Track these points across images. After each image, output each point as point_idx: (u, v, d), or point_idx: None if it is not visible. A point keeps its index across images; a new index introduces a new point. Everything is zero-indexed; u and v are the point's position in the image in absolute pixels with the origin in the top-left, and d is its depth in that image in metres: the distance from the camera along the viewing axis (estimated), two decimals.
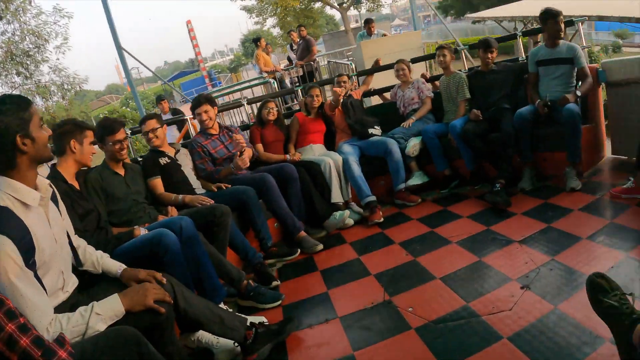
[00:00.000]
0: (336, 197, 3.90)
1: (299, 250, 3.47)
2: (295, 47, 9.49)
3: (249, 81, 12.14)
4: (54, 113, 14.14)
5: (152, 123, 3.28)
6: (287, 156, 4.10)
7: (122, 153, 2.87)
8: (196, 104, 3.67)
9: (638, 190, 2.97)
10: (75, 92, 14.27)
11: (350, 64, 7.73)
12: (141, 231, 2.46)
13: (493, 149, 3.80)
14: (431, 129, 4.14)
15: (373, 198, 3.84)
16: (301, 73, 9.07)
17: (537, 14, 3.78)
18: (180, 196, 3.11)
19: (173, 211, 3.01)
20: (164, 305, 1.74)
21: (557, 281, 2.27)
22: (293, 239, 3.53)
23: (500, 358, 1.82)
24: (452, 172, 4.16)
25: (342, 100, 4.26)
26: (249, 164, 3.56)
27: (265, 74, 9.20)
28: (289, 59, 10.17)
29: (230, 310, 2.43)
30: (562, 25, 3.65)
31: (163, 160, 3.27)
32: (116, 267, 2.02)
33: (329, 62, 10.41)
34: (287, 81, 9.44)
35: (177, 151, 3.50)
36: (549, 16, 3.62)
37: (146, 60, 9.03)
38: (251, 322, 2.21)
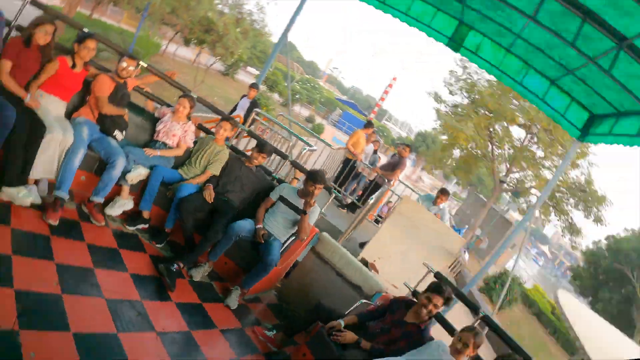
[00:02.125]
0: (39, 171, 3.43)
1: None
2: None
3: None
4: None
5: None
6: (28, 95, 3.39)
7: None
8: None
9: (272, 342, 3.67)
10: None
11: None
12: None
13: (196, 227, 4.09)
14: (163, 172, 4.17)
15: (66, 197, 3.51)
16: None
17: None
18: None
19: None
20: None
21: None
22: None
23: None
24: (149, 215, 4.19)
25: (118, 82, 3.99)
26: None
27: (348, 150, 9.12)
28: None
29: None
30: (318, 192, 4.21)
31: None
32: None
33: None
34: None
35: None
36: (309, 177, 4.18)
37: None
38: None
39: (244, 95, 9.25)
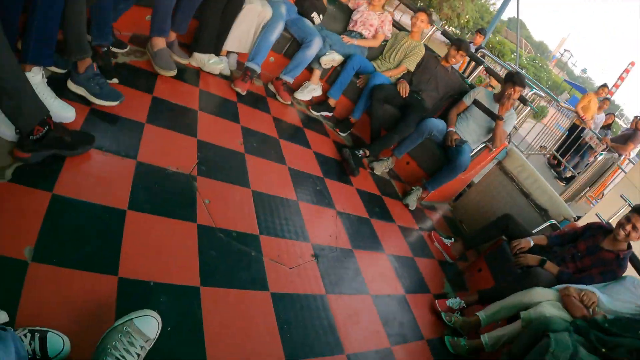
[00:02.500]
0: (233, 44, 3.34)
1: (128, 47, 2.76)
2: None
3: None
4: None
5: None
6: None
7: None
8: None
9: (448, 251, 3.24)
10: None
11: None
12: None
13: (384, 121, 3.76)
14: (360, 60, 3.88)
15: (258, 69, 3.38)
16: None
17: None
18: None
19: None
20: None
21: (343, 273, 2.28)
22: (147, 41, 2.82)
23: (252, 306, 1.75)
24: (335, 104, 3.99)
25: None
26: None
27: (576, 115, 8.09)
28: None
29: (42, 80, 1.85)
30: (516, 96, 3.66)
31: None
32: None
33: None
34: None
35: None
36: (508, 79, 3.64)
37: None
38: (49, 118, 1.68)
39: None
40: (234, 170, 2.43)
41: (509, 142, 4.09)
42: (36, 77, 1.80)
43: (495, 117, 3.64)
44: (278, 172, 2.73)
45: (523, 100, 4.17)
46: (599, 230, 2.83)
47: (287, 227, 2.30)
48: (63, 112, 1.89)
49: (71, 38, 1.97)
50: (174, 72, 2.80)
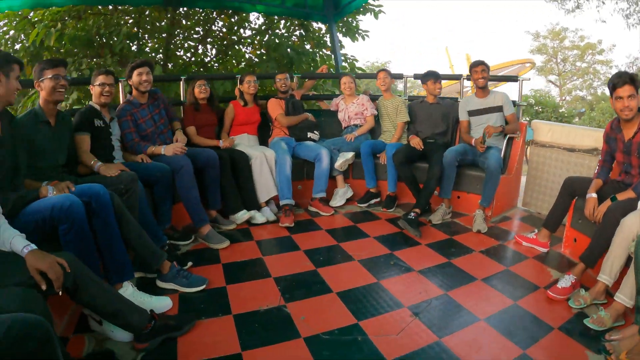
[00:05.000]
0: (264, 193, 3.87)
1: (193, 238, 3.36)
2: None
3: None
4: None
5: (110, 78, 3.09)
6: (220, 142, 3.92)
7: (61, 92, 2.56)
8: (139, 64, 3.43)
9: (537, 243, 3.24)
10: None
11: None
12: (49, 192, 2.15)
13: (416, 178, 3.98)
14: (369, 144, 4.27)
15: (292, 202, 3.83)
16: None
17: None
18: (98, 164, 2.84)
19: None
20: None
21: (446, 315, 2.35)
22: (196, 230, 3.37)
23: None
24: (376, 190, 4.31)
25: (284, 98, 4.36)
26: (179, 152, 3.37)
27: None
28: None
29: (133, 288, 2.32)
30: (485, 75, 3.88)
31: (97, 122, 3.04)
32: (22, 245, 1.70)
33: None
34: None
35: (112, 118, 3.20)
36: (471, 67, 3.92)
37: None
38: (151, 312, 2.08)
39: None
40: (313, 285, 2.69)
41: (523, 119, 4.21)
42: (128, 290, 2.26)
43: (492, 110, 3.85)
44: (351, 269, 2.95)
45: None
46: (612, 129, 2.82)
47: (379, 304, 2.45)
48: (161, 304, 2.30)
49: (142, 252, 2.45)
50: (227, 244, 3.27)
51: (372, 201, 4.28)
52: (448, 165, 3.78)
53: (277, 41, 7.38)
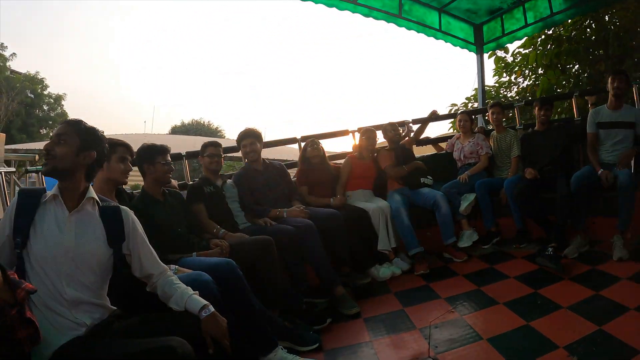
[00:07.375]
0: (383, 245, 3.97)
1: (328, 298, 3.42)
2: None
3: None
4: None
5: (218, 150, 3.51)
6: (331, 200, 4.09)
7: (169, 176, 2.88)
8: (243, 136, 3.81)
9: None
10: None
11: None
12: (170, 269, 2.17)
13: (544, 210, 3.88)
14: (485, 183, 4.31)
15: (420, 249, 3.92)
16: None
17: None
18: (222, 231, 3.12)
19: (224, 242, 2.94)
20: None
21: (605, 352, 2.27)
22: (329, 293, 3.42)
23: None
24: (496, 229, 4.27)
25: (394, 148, 4.49)
26: (302, 216, 3.59)
27: None
28: None
29: None
30: (625, 85, 3.66)
31: (207, 189, 3.36)
32: (199, 306, 1.84)
33: None
34: None
35: (224, 182, 3.55)
36: (614, 74, 3.68)
37: None
38: None
39: None
40: (462, 333, 2.73)
41: None
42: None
43: (622, 126, 3.64)
44: (497, 312, 2.96)
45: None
46: None
47: (532, 347, 2.43)
48: None
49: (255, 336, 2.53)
50: (356, 310, 3.27)
51: (494, 240, 4.24)
52: (577, 192, 3.62)
53: None
